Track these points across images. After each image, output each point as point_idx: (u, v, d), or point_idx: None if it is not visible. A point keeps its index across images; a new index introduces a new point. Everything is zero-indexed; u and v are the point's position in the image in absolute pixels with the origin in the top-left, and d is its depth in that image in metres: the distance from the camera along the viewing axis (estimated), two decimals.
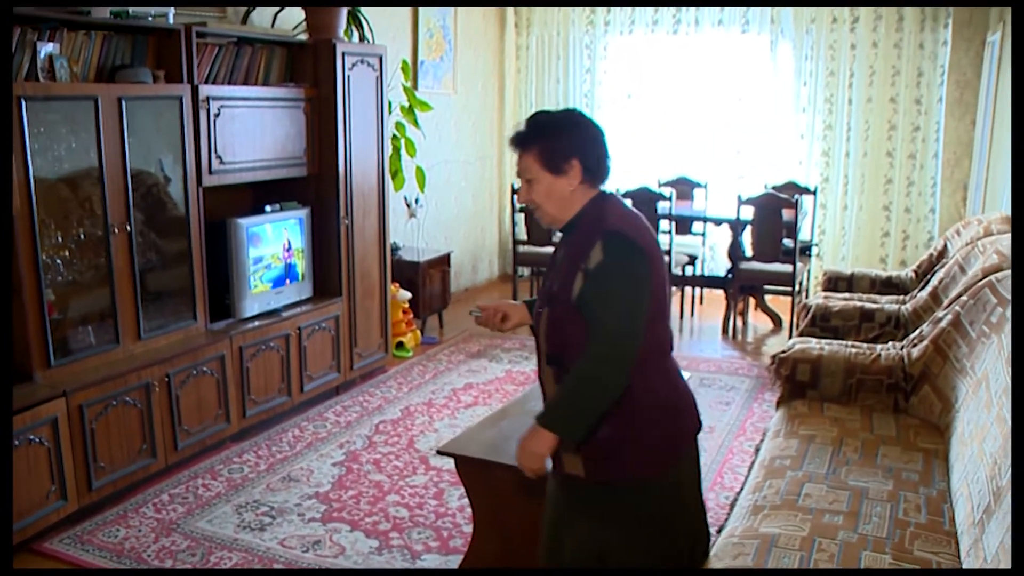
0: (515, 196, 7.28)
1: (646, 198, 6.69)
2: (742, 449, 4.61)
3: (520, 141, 2.37)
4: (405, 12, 7.04)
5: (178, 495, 4.09)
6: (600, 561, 2.41)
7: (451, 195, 7.99)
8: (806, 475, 3.06)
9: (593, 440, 2.34)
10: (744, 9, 7.60)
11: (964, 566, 2.45)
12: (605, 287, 2.25)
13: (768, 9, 7.53)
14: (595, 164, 2.36)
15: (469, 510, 3.41)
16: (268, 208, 4.95)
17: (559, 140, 2.33)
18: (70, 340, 3.97)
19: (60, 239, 3.92)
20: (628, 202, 2.49)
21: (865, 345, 4.01)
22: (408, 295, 6.37)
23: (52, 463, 3.63)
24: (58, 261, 3.91)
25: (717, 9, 7.67)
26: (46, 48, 3.75)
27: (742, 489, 3.20)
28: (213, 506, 3.98)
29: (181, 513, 3.92)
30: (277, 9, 5.45)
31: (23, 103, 3.52)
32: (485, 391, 5.52)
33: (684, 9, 7.81)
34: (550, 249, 7.15)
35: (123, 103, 3.93)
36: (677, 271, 6.99)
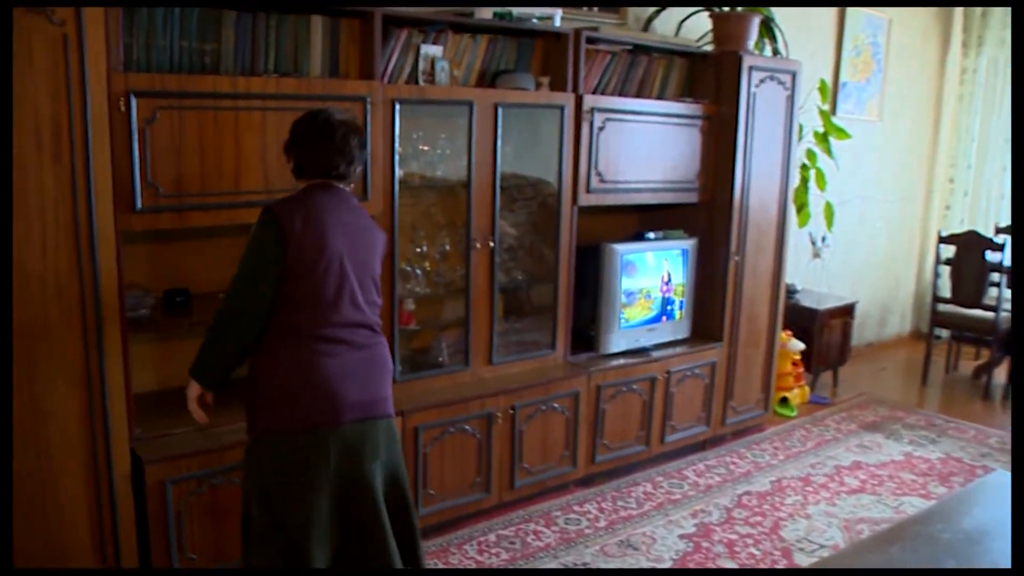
0: (940, 244, 6.18)
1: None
2: None
3: None
4: (829, 25, 6.23)
5: (505, 537, 3.72)
6: (246, 509, 2.62)
7: (864, 237, 7.00)
8: None
9: (247, 396, 2.57)
10: None
11: None
12: (246, 250, 2.49)
13: None
14: (301, 163, 2.61)
15: None
16: (651, 235, 4.49)
17: (289, 135, 2.63)
18: (417, 357, 3.78)
19: (425, 248, 3.75)
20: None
21: None
22: (800, 345, 5.60)
23: None
24: (418, 271, 3.74)
25: None
26: (430, 50, 3.58)
27: None
28: (539, 559, 3.55)
29: (504, 560, 3.54)
30: (685, 15, 4.97)
31: (396, 106, 3.36)
32: (876, 476, 4.58)
33: None
34: (978, 312, 5.97)
35: (498, 110, 3.66)
36: None
